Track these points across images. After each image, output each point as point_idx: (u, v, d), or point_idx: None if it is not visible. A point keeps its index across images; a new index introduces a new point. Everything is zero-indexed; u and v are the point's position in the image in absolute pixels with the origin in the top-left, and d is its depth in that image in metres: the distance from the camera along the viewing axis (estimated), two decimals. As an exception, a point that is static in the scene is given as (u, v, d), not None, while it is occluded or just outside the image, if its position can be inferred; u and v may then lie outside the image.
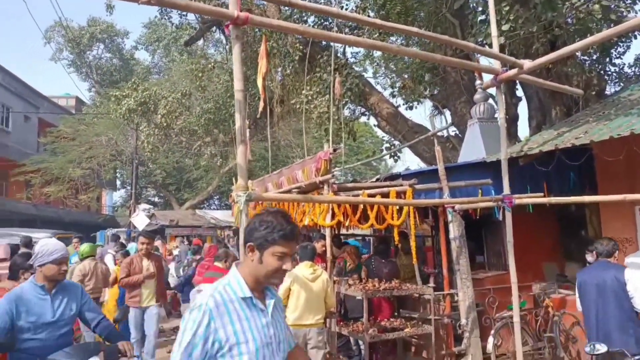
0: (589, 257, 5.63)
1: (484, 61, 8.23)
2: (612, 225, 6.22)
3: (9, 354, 3.05)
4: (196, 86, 14.80)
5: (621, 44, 10.38)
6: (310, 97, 10.52)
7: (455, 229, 5.67)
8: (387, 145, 13.09)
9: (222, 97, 14.18)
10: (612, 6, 7.28)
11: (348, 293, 5.91)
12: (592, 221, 7.17)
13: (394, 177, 6.28)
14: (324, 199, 5.17)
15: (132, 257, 6.41)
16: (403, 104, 12.46)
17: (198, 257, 9.04)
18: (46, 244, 3.26)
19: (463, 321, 5.59)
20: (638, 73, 10.82)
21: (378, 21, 3.78)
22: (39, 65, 77.35)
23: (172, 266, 11.04)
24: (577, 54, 8.67)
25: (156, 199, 33.72)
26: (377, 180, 6.47)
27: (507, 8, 6.95)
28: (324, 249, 6.07)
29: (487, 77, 4.78)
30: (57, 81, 79.28)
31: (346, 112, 12.79)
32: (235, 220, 9.21)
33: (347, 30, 10.80)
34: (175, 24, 16.34)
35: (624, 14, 7.74)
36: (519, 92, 10.76)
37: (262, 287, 2.00)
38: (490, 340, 5.81)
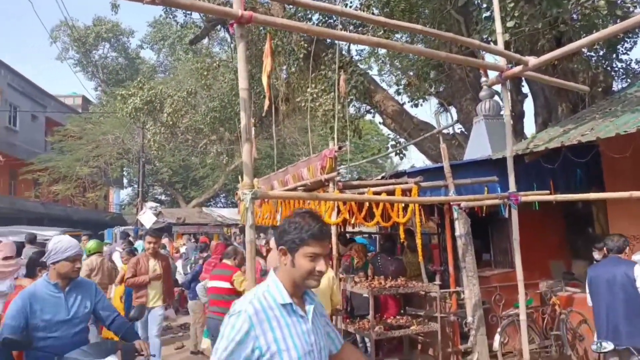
0: (596, 255, 5.62)
1: (489, 58, 8.21)
2: (619, 223, 6.19)
3: (25, 352, 3.04)
4: (201, 85, 14.83)
5: (628, 40, 10.30)
6: (315, 95, 10.51)
7: (461, 227, 5.66)
8: (393, 142, 13.07)
9: (228, 95, 14.21)
10: (618, 2, 7.22)
11: (354, 290, 5.92)
12: (599, 218, 7.14)
13: (399, 174, 6.27)
14: (330, 197, 5.17)
15: (138, 257, 6.42)
16: (408, 102, 12.45)
17: (205, 254, 9.07)
18: (60, 240, 3.20)
19: (469, 319, 5.58)
20: (645, 69, 10.73)
21: (382, 19, 3.77)
22: (46, 65, 77.76)
23: (179, 264, 11.10)
24: (583, 50, 8.61)
25: (163, 197, 33.87)
26: (383, 177, 6.47)
27: (512, 4, 6.91)
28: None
29: (493, 74, 4.75)
30: (63, 80, 79.71)
31: (351, 110, 12.78)
32: (241, 218, 9.24)
33: (351, 27, 10.78)
34: (180, 22, 16.33)
35: (631, 9, 7.67)
36: (525, 89, 10.72)
37: (301, 291, 1.94)
38: (497, 338, 5.81)
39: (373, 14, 10.59)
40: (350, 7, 11.20)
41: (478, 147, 7.76)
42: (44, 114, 26.70)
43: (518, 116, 10.35)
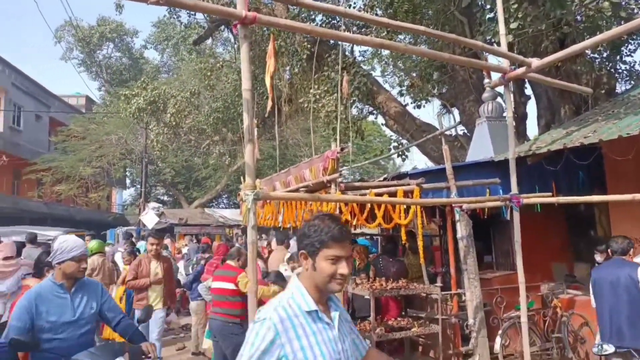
0: (598, 257, 5.61)
1: (492, 59, 8.21)
2: (621, 225, 6.16)
3: (30, 354, 2.99)
4: (205, 85, 14.86)
5: (632, 42, 10.28)
6: (318, 96, 10.52)
7: (462, 229, 5.65)
8: (395, 144, 13.07)
9: (231, 96, 14.24)
10: (623, 3, 7.21)
11: (356, 292, 5.91)
12: (602, 221, 7.12)
13: (401, 176, 6.27)
14: (332, 198, 5.16)
15: (140, 259, 6.38)
16: (411, 103, 12.43)
17: (207, 255, 9.09)
18: (65, 240, 3.14)
19: (470, 321, 5.57)
20: (649, 71, 10.70)
21: (385, 20, 3.76)
22: (50, 65, 78.04)
23: (181, 265, 11.11)
24: (586, 52, 8.59)
25: (165, 198, 33.94)
26: (385, 179, 6.47)
27: (515, 6, 6.90)
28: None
29: (496, 76, 4.75)
30: (67, 80, 79.98)
31: (354, 111, 12.79)
32: (243, 219, 9.24)
33: (354, 28, 10.79)
34: (184, 23, 16.42)
35: (635, 11, 7.66)
36: (528, 91, 10.71)
37: (325, 297, 1.88)
38: (498, 340, 5.79)
39: (376, 14, 10.60)
40: (354, 8, 11.20)
41: (480, 149, 7.75)
42: (47, 113, 26.78)
43: (521, 118, 10.33)
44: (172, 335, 8.90)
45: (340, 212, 5.74)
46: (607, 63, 9.98)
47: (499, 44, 4.62)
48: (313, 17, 11.41)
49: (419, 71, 11.66)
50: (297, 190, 6.28)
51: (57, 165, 22.47)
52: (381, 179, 6.68)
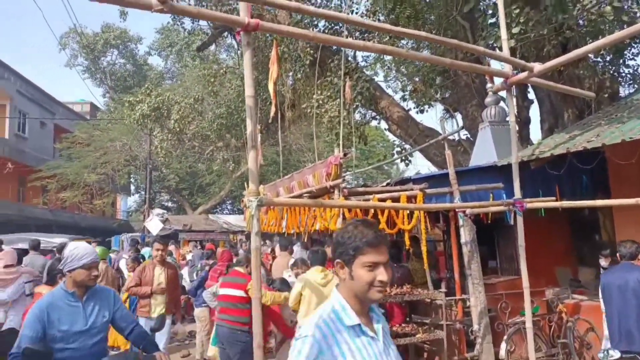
0: (603, 262, 5.59)
1: (495, 64, 8.21)
2: (625, 229, 6.14)
3: None
4: (208, 91, 14.94)
5: (635, 45, 10.27)
6: (321, 102, 10.55)
7: (466, 234, 5.64)
8: (398, 149, 13.08)
9: (234, 102, 14.30)
10: (625, 7, 7.21)
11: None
12: (606, 225, 7.10)
13: (404, 181, 6.27)
14: (335, 204, 5.18)
15: (144, 265, 6.35)
16: (414, 108, 12.47)
17: (211, 261, 9.09)
18: (76, 247, 3.06)
19: (475, 327, 5.55)
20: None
21: (387, 26, 3.78)
22: (55, 72, 78.56)
23: (185, 271, 11.11)
24: (589, 56, 8.59)
25: (170, 204, 34.03)
26: (388, 184, 6.47)
27: (517, 10, 6.92)
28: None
29: (498, 81, 4.76)
30: (72, 87, 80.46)
31: (357, 116, 12.80)
32: (247, 225, 9.26)
33: (357, 34, 10.83)
34: (187, 29, 16.52)
35: (637, 14, 7.66)
36: (531, 95, 10.71)
37: (366, 308, 1.79)
38: (503, 346, 5.76)
39: (379, 20, 10.65)
40: (356, 14, 11.25)
41: (483, 154, 7.74)
42: (52, 120, 26.94)
43: (524, 122, 10.33)
44: (177, 342, 8.89)
45: (344, 217, 5.75)
46: (610, 67, 9.98)
47: (501, 48, 4.63)
48: (316, 23, 11.47)
49: (421, 76, 11.68)
50: (300, 196, 6.29)
51: (62, 172, 22.58)
52: (384, 184, 6.69)
